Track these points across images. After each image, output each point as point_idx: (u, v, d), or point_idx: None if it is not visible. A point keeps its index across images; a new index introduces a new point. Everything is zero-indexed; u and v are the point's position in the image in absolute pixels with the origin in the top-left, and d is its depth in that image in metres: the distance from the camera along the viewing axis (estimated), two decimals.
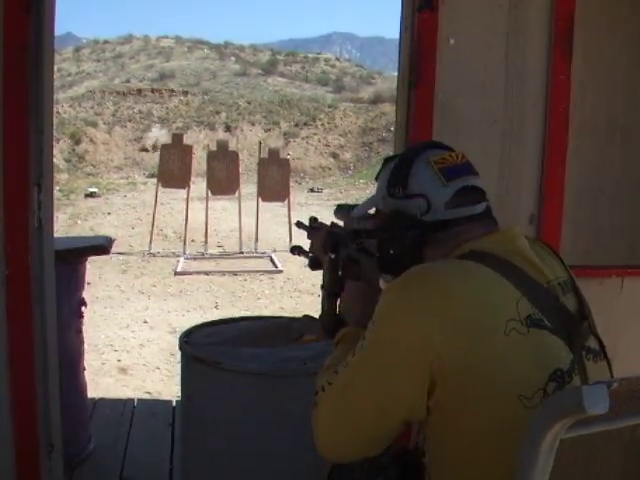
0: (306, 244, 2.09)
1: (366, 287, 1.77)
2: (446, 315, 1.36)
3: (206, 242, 11.10)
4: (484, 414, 1.36)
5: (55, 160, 18.74)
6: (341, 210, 1.91)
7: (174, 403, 4.49)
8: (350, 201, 16.40)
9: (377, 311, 1.46)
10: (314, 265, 2.04)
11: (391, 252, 1.59)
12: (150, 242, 10.99)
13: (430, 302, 1.39)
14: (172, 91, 27.23)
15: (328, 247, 1.89)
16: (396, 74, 2.82)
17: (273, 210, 12.81)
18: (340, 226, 1.96)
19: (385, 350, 1.41)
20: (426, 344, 1.36)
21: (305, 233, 2.08)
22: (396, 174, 1.59)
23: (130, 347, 6.40)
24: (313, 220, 2.07)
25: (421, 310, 1.38)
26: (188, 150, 11.81)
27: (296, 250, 2.12)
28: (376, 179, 1.70)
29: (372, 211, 1.74)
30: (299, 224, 2.17)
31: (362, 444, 1.50)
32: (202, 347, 2.65)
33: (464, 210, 1.53)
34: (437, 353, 1.35)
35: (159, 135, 22.25)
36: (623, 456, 1.28)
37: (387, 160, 1.69)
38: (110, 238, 4.06)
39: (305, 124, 24.69)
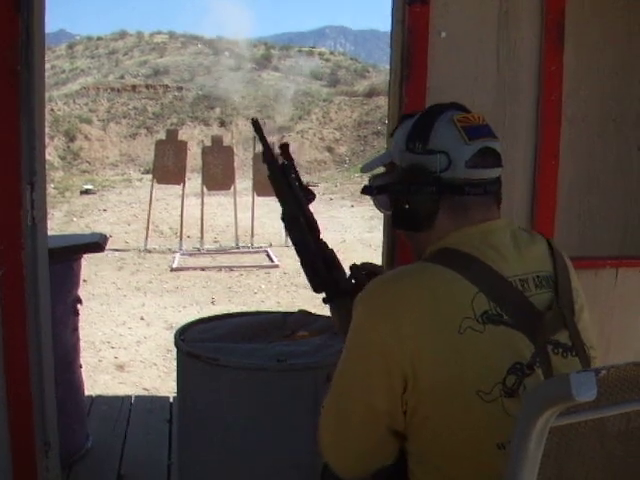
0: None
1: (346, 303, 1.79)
2: (402, 324, 1.39)
3: (202, 238, 11.10)
4: (448, 413, 1.39)
5: (50, 157, 18.75)
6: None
7: (171, 399, 4.49)
8: (346, 195, 16.41)
9: (352, 324, 1.50)
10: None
11: (406, 207, 1.58)
12: (146, 238, 10.98)
13: (386, 315, 1.41)
14: (166, 87, 27.14)
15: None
16: None
17: (269, 205, 12.78)
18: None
19: (355, 362, 1.48)
20: (388, 353, 1.40)
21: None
22: (417, 129, 1.58)
23: (127, 344, 6.40)
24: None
25: (379, 325, 1.42)
26: (183, 146, 11.80)
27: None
28: (391, 135, 1.70)
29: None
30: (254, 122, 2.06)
31: (360, 457, 1.54)
32: (197, 343, 2.65)
33: (482, 172, 1.54)
34: (397, 361, 1.39)
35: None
36: (615, 444, 1.29)
37: (405, 117, 1.68)
38: (104, 235, 4.05)
39: (300, 118, 24.65)
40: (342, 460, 1.56)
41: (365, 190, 1.74)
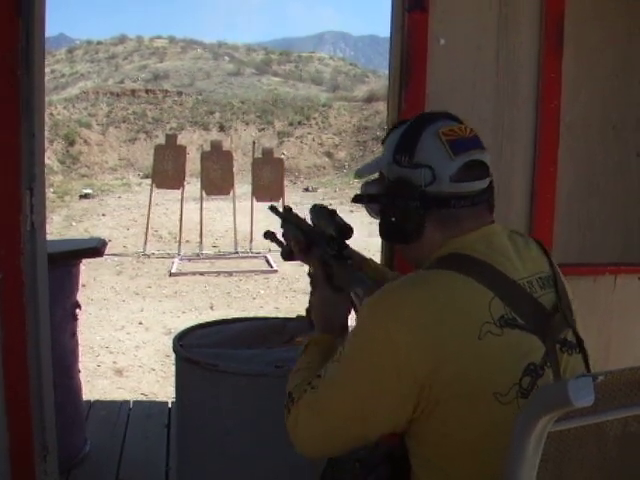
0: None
1: (334, 296, 1.80)
2: (417, 330, 1.39)
3: (201, 242, 11.10)
4: (462, 415, 1.39)
5: (49, 162, 18.74)
6: (316, 212, 1.92)
7: (170, 404, 4.49)
8: (345, 200, 16.41)
9: (355, 325, 1.49)
10: (287, 255, 2.05)
11: (393, 220, 1.58)
12: (145, 243, 10.99)
13: (397, 318, 1.40)
14: (166, 92, 27.18)
15: (302, 247, 1.94)
16: None
17: (267, 210, 12.79)
18: (308, 223, 1.98)
19: (358, 365, 1.45)
20: (397, 360, 1.39)
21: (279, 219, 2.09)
22: (404, 142, 1.57)
23: (125, 349, 6.40)
24: (288, 210, 2.07)
25: (389, 327, 1.40)
26: (182, 151, 11.81)
27: (269, 236, 2.13)
28: (382, 143, 1.68)
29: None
30: (272, 208, 2.18)
31: (339, 448, 1.55)
32: (196, 349, 2.64)
33: (467, 185, 1.53)
34: (411, 367, 1.38)
35: None
36: (613, 448, 1.29)
37: (396, 126, 1.66)
38: (103, 240, 4.05)
39: (299, 123, 24.67)
40: (316, 446, 1.56)
41: (356, 199, 1.74)
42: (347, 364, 1.47)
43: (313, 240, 1.92)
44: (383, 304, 1.45)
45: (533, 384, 1.41)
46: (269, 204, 2.12)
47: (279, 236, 2.09)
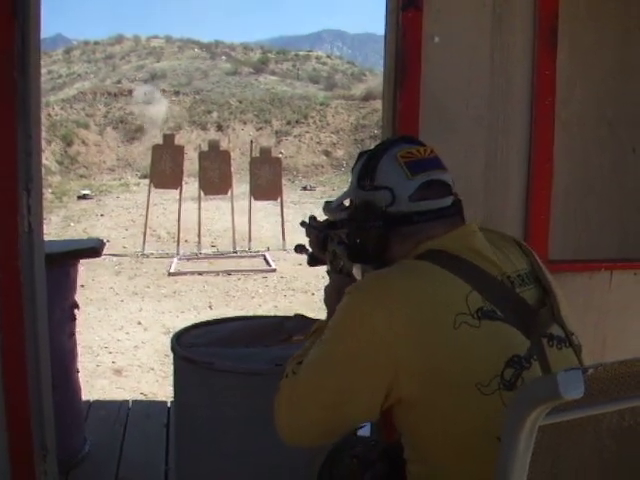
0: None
1: (346, 280, 1.82)
2: (396, 316, 1.42)
3: (199, 242, 11.11)
4: (444, 405, 1.42)
5: (47, 162, 18.73)
6: (327, 206, 1.96)
7: (169, 404, 4.49)
8: None
9: (336, 311, 1.53)
10: (311, 261, 2.10)
11: (357, 241, 1.66)
12: (143, 243, 10.98)
13: (381, 305, 1.44)
14: (163, 91, 27.13)
15: (319, 245, 1.98)
16: None
17: (266, 209, 12.82)
18: (327, 223, 2.02)
19: (337, 350, 1.48)
20: (378, 345, 1.42)
21: (304, 232, 2.15)
22: (365, 167, 1.65)
23: (124, 349, 6.40)
24: (312, 219, 2.12)
25: (372, 313, 1.44)
26: (180, 150, 11.81)
27: (299, 249, 2.19)
28: (352, 172, 1.75)
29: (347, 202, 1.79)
30: (303, 224, 2.24)
31: (316, 434, 1.56)
32: (194, 348, 2.65)
33: (428, 203, 1.58)
34: (389, 353, 1.41)
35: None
36: (608, 441, 1.30)
37: (362, 154, 1.74)
38: (101, 240, 4.06)
39: (297, 122, 24.64)
40: (294, 431, 1.56)
41: (330, 225, 1.85)
42: (327, 349, 1.50)
43: (328, 235, 1.97)
44: (367, 293, 1.50)
45: (517, 376, 1.43)
46: (301, 220, 2.20)
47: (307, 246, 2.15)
